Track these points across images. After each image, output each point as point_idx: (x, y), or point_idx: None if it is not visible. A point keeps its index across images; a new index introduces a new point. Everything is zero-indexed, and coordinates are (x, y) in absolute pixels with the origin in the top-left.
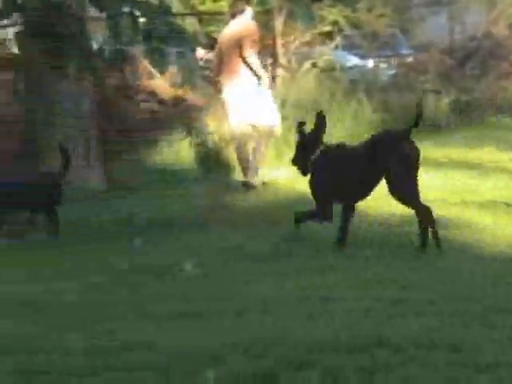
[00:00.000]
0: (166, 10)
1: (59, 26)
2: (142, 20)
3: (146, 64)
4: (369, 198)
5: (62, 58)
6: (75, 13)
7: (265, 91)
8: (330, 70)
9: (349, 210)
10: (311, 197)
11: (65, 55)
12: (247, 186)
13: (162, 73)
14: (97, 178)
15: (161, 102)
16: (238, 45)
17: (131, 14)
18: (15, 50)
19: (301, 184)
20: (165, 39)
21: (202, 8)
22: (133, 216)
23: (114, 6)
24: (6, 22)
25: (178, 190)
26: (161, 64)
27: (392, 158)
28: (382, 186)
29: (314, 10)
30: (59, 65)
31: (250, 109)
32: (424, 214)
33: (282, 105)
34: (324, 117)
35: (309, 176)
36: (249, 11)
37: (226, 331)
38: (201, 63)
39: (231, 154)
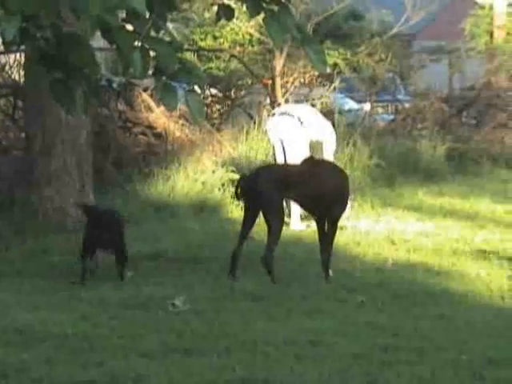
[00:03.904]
0: (177, 46)
1: (70, 56)
2: (152, 54)
3: (144, 97)
4: (364, 243)
5: (69, 89)
6: (86, 43)
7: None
8: (327, 112)
9: None
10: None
11: (72, 86)
12: None
13: (171, 109)
14: None
15: (158, 135)
16: None
17: (142, 47)
18: (16, 77)
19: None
20: (176, 75)
21: (202, 44)
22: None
23: (125, 39)
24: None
25: (170, 224)
26: (171, 100)
27: None
28: (376, 234)
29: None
30: (66, 95)
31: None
32: None
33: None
34: None
35: None
36: None
37: (215, 369)
38: None
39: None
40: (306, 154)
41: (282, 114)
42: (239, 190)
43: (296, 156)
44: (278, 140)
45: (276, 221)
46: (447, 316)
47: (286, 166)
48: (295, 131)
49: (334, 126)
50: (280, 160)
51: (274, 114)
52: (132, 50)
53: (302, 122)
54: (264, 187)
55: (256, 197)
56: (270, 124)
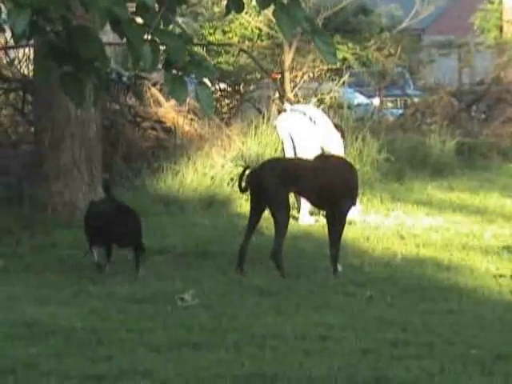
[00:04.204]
0: (187, 39)
1: (80, 49)
2: (162, 48)
3: (154, 91)
4: (373, 238)
5: (79, 82)
6: (96, 36)
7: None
8: (336, 106)
9: None
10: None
11: (82, 79)
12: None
13: (181, 102)
14: None
15: (167, 130)
16: None
17: (152, 40)
18: (25, 71)
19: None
20: (186, 68)
21: (211, 39)
22: None
23: (135, 32)
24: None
25: (179, 218)
26: (181, 93)
27: None
28: (386, 228)
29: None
30: (76, 88)
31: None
32: None
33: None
34: None
35: None
36: None
37: (224, 364)
38: None
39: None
40: (318, 150)
41: (294, 111)
42: (245, 184)
43: (307, 152)
44: (287, 135)
45: (282, 215)
46: (456, 311)
47: (293, 160)
48: (307, 128)
49: (344, 137)
50: (290, 155)
51: (285, 110)
52: (142, 43)
53: (314, 122)
54: (269, 181)
55: (261, 191)
56: (279, 119)
